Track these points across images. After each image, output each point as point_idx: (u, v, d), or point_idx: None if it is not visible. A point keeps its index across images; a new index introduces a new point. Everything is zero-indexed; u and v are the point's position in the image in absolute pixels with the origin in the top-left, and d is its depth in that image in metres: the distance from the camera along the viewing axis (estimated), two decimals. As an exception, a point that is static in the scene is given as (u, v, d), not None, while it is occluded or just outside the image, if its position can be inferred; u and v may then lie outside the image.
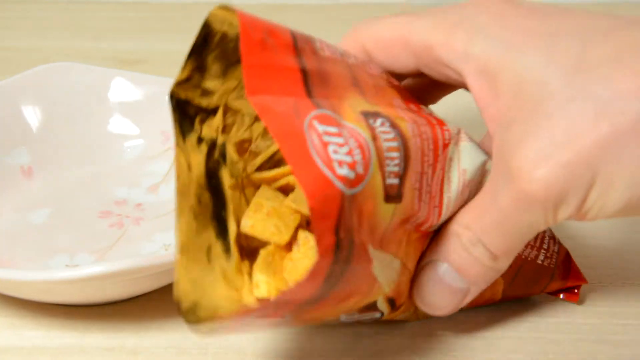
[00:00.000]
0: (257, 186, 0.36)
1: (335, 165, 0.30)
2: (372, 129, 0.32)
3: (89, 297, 0.39)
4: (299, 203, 0.34)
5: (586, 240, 0.45)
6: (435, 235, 0.36)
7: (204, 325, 0.32)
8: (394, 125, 0.33)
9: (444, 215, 0.35)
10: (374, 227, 0.32)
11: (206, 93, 0.35)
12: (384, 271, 0.33)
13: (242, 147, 0.36)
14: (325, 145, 0.30)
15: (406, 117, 0.34)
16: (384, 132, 0.32)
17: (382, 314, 0.36)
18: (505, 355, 0.38)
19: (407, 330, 0.39)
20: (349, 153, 0.30)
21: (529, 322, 0.40)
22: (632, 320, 0.40)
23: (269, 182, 0.36)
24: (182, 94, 0.35)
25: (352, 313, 0.34)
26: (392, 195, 0.32)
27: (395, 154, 0.32)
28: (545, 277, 0.40)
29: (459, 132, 0.35)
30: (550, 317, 0.40)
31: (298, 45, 0.33)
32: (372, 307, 0.35)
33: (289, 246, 0.34)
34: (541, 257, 0.39)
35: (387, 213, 0.32)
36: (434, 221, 0.35)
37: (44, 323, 0.40)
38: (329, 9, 0.70)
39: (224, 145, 0.36)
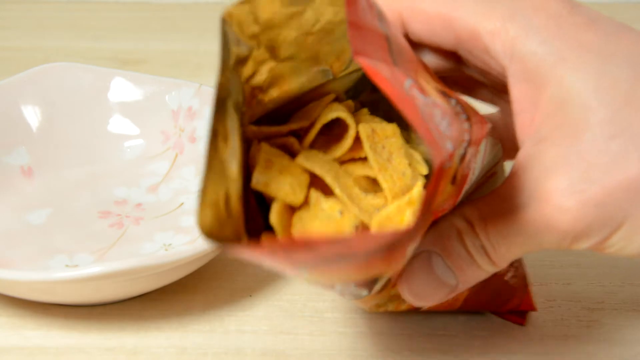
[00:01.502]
0: (250, 139, 0.34)
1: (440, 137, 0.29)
2: (453, 109, 0.31)
3: (89, 297, 0.39)
4: (312, 162, 0.32)
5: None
6: (434, 225, 0.34)
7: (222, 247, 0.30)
8: (464, 109, 0.32)
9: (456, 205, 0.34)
10: (436, 206, 0.31)
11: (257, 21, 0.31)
12: (411, 251, 0.32)
13: (253, 93, 0.34)
14: (430, 116, 0.29)
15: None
16: (459, 113, 0.32)
17: (368, 293, 0.34)
18: (505, 355, 0.38)
19: (407, 330, 0.40)
20: (448, 126, 0.30)
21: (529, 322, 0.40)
22: (632, 320, 0.40)
23: (267, 137, 0.34)
24: (235, 18, 0.31)
25: (350, 284, 0.33)
26: (455, 178, 0.31)
27: (466, 136, 0.31)
28: (507, 295, 0.39)
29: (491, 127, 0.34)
30: (550, 317, 0.40)
31: (377, 8, 0.31)
32: (373, 282, 0.33)
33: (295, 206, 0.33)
34: (509, 274, 0.38)
35: (445, 194, 0.31)
36: (450, 208, 0.34)
37: (44, 323, 0.40)
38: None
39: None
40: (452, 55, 0.36)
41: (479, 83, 0.39)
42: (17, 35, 0.67)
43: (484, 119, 0.33)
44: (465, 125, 0.32)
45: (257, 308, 0.41)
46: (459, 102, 0.33)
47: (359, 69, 0.35)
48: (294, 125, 0.34)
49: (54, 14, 0.70)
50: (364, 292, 0.34)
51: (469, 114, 0.32)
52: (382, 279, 0.33)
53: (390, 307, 0.38)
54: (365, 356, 0.38)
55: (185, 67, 0.62)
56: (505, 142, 0.38)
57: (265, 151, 0.33)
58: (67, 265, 0.42)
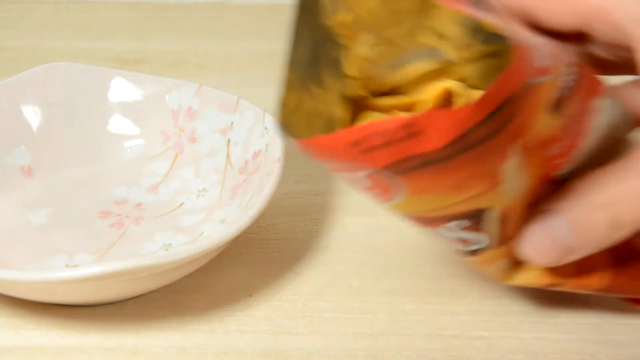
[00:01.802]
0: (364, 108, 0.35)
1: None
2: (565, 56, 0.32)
3: (89, 297, 0.39)
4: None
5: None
6: (560, 187, 0.34)
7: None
8: (579, 65, 0.33)
9: (573, 164, 0.34)
10: (529, 126, 0.31)
11: None
12: (511, 177, 0.32)
13: (363, 68, 0.34)
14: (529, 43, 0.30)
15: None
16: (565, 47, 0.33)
17: (481, 246, 0.34)
18: (505, 355, 0.38)
19: (407, 330, 0.39)
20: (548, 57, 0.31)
21: (529, 322, 0.40)
22: (632, 320, 0.40)
23: (383, 109, 0.35)
24: None
25: (456, 220, 0.33)
26: (556, 107, 0.32)
27: (574, 69, 0.32)
28: None
29: (608, 87, 0.35)
30: (551, 317, 0.40)
31: None
32: (479, 217, 0.33)
33: None
34: None
35: (542, 120, 0.31)
36: (566, 164, 0.34)
37: (44, 323, 0.40)
38: (329, 9, 0.69)
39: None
40: (575, 37, 0.37)
41: (608, 62, 0.39)
42: (17, 35, 0.67)
43: (599, 80, 0.34)
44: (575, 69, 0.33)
45: (257, 308, 0.41)
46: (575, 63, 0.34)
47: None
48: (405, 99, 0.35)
49: (54, 14, 0.70)
50: (474, 246, 0.34)
51: (582, 68, 0.34)
52: (488, 218, 0.32)
53: (521, 279, 0.37)
54: (365, 356, 0.38)
55: (185, 67, 0.62)
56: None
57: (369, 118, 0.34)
58: (67, 265, 0.42)
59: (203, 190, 0.47)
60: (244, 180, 0.45)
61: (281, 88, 0.31)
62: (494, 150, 0.30)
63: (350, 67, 0.34)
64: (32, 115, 0.49)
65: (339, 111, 0.33)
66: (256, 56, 0.63)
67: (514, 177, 0.32)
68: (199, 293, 0.42)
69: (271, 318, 0.40)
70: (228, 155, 0.47)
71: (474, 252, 0.34)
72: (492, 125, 0.29)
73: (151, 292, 0.41)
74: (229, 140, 0.47)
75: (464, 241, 0.34)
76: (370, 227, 0.46)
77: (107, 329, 0.40)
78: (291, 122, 0.31)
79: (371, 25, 0.33)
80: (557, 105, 0.32)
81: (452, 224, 0.33)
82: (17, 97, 0.49)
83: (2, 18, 0.69)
